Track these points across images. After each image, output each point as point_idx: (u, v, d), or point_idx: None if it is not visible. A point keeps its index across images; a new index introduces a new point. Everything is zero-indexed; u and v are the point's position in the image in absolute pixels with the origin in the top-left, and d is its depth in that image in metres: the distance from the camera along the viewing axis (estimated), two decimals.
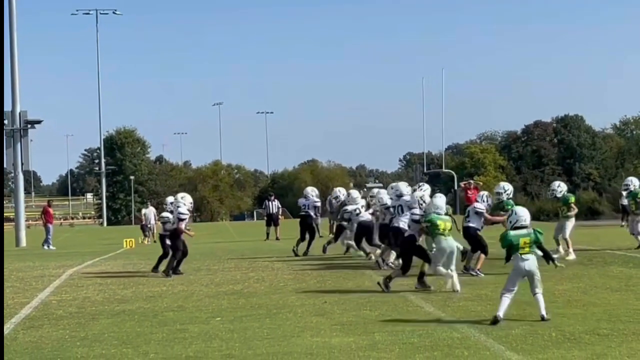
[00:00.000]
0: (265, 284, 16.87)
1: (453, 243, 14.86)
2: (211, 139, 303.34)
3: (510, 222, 12.11)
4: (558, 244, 20.55)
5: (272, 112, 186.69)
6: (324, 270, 19.17)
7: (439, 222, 14.70)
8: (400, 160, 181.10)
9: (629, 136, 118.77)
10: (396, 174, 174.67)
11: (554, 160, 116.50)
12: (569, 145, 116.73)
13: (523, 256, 11.75)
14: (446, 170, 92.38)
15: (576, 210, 20.80)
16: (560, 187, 20.98)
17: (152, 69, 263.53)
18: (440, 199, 15.33)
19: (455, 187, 69.04)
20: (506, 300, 11.57)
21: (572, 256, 19.84)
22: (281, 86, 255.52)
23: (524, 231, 11.92)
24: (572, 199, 20.88)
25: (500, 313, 11.37)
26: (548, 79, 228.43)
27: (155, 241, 37.78)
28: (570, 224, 20.48)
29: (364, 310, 12.98)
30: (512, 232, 11.91)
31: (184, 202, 19.40)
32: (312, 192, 26.71)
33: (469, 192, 31.18)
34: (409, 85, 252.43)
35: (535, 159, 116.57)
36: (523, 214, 12.08)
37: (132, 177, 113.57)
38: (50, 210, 38.44)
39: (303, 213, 25.54)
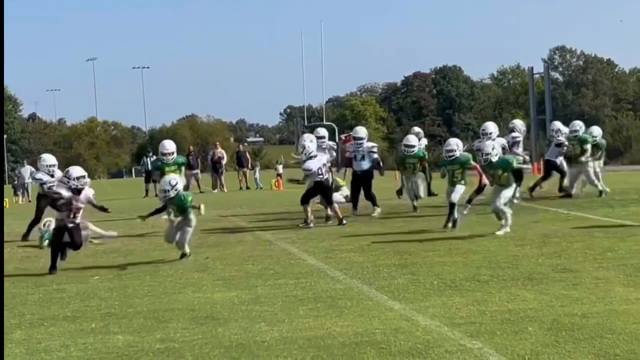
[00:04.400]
0: (145, 240, 16.58)
1: None
2: (86, 95, 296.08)
3: None
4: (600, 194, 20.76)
5: (148, 67, 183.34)
6: (205, 225, 18.97)
7: None
8: (281, 114, 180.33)
9: (506, 86, 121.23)
10: (277, 127, 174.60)
11: (434, 111, 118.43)
12: (448, 95, 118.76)
13: None
14: (327, 123, 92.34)
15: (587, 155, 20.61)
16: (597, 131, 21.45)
17: (22, 24, 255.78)
18: None
19: (337, 140, 69.20)
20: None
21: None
22: (157, 40, 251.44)
23: None
24: (588, 141, 20.74)
25: None
26: (426, 30, 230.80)
27: (30, 200, 36.92)
28: (585, 168, 20.57)
29: (246, 264, 12.88)
30: None
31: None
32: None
33: (348, 144, 31.31)
34: (289, 38, 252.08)
35: (415, 110, 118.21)
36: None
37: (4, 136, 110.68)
38: None
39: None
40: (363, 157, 19.58)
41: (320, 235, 16.00)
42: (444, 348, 7.41)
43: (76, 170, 13.71)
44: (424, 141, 23.11)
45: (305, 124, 78.61)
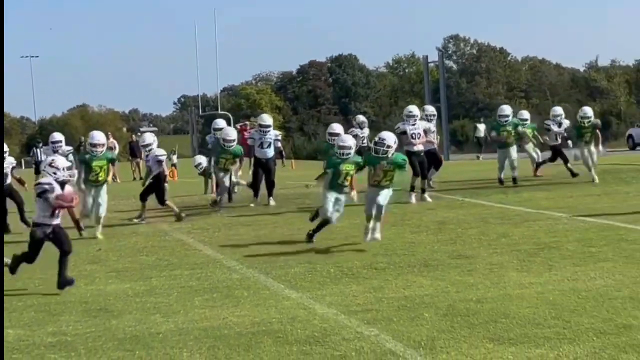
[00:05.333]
0: None
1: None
2: None
3: None
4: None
5: (37, 56, 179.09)
6: None
7: None
8: (175, 103, 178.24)
9: (401, 74, 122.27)
10: (171, 117, 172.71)
11: (330, 100, 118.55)
12: (343, 84, 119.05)
13: None
14: (222, 112, 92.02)
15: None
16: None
17: None
18: None
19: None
20: None
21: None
22: (46, 29, 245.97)
23: None
24: (519, 124, 21.42)
25: None
26: (322, 18, 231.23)
27: None
28: (510, 152, 20.93)
29: (140, 255, 12.69)
30: None
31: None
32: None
33: (245, 133, 31.17)
34: (182, 28, 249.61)
35: (311, 98, 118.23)
36: None
37: None
38: None
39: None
40: (270, 145, 19.40)
41: (216, 226, 15.88)
42: (341, 335, 7.40)
43: (62, 160, 11.27)
44: (367, 131, 22.83)
45: (200, 113, 78.10)
